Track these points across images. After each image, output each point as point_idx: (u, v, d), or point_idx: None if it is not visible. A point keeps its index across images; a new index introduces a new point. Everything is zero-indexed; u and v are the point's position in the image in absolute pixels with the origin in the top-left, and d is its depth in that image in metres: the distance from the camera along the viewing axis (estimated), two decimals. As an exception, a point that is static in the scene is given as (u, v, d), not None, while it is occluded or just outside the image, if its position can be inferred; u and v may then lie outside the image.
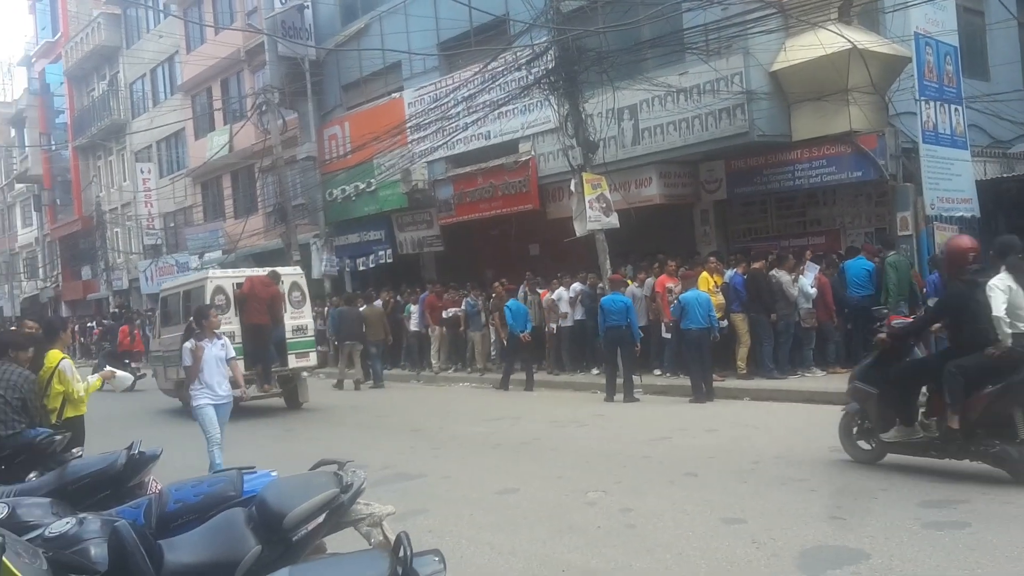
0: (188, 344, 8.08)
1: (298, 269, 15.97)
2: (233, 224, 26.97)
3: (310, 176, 22.82)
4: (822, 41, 12.51)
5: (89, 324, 31.86)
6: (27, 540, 3.27)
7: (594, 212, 13.70)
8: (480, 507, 6.81)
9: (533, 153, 17.10)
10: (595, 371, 14.55)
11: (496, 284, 15.91)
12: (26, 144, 43.21)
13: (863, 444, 7.29)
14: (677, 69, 14.13)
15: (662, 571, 5.05)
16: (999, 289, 6.26)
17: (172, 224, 32.80)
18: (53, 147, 40.02)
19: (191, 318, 9.27)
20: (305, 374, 14.53)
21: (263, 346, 13.44)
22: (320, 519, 3.63)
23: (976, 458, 6.48)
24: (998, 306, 6.19)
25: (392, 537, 3.84)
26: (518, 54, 14.97)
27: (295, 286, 14.54)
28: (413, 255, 20.91)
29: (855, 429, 7.33)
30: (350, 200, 21.80)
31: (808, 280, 12.49)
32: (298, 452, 9.40)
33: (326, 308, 19.70)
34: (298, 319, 14.24)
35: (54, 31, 39.92)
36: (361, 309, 17.37)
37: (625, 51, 13.71)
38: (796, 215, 15.13)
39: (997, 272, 6.42)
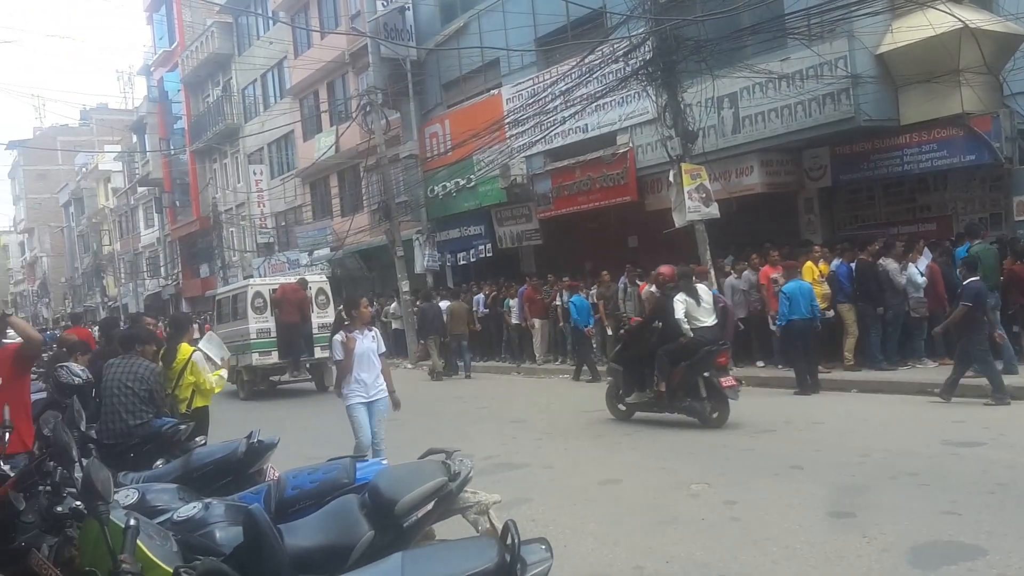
0: (338, 336, 7.31)
1: (323, 277, 19.74)
2: (340, 222, 27.79)
3: (412, 174, 23.32)
4: (931, 21, 12.06)
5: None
6: (157, 523, 3.54)
7: (693, 203, 13.58)
8: (583, 497, 6.92)
9: (631, 145, 17.03)
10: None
11: (603, 273, 15.95)
12: (147, 149, 45.35)
13: (620, 406, 10.41)
14: (779, 55, 13.83)
15: (769, 564, 5.03)
16: (679, 301, 9.61)
17: (283, 223, 33.95)
18: (172, 152, 41.75)
19: (340, 307, 8.64)
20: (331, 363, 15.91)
21: (295, 340, 16.18)
22: (429, 506, 3.76)
23: (677, 411, 9.70)
24: (679, 312, 9.55)
25: (499, 525, 3.96)
26: (615, 46, 14.94)
27: (321, 291, 17.18)
28: (512, 249, 21.14)
29: (614, 395, 10.48)
30: (451, 196, 22.19)
31: (918, 269, 12.07)
32: (405, 442, 9.66)
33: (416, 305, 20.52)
34: (323, 318, 16.50)
35: (171, 41, 41.74)
36: (445, 304, 18.39)
37: (724, 39, 13.52)
38: (905, 201, 14.60)
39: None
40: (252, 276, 33.55)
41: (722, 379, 9.41)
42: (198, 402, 7.41)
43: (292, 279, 17.92)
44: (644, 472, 7.61)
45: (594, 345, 15.96)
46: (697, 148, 14.03)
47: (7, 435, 5.14)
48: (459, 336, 17.94)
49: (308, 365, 16.86)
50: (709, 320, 9.76)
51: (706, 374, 9.48)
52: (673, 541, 5.59)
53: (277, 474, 5.14)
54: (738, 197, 14.65)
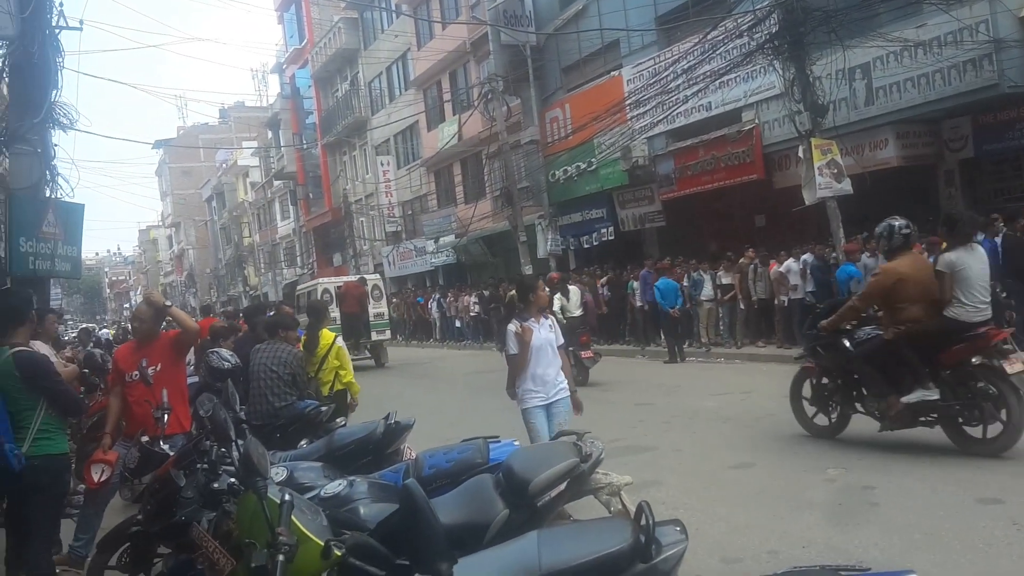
0: (512, 326, 6.10)
1: (377, 276, 26.48)
2: (464, 209, 28.27)
3: (533, 159, 23.47)
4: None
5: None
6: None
7: (824, 179, 13.13)
8: (713, 481, 6.86)
9: (757, 121, 16.57)
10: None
11: (750, 250, 15.73)
12: (281, 144, 47.37)
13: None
14: (914, 22, 13.16)
15: (911, 550, 4.87)
16: (556, 299, 12.99)
17: (410, 212, 34.77)
18: (304, 146, 43.32)
19: (512, 292, 7.50)
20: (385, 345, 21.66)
21: (356, 326, 20.05)
22: (562, 487, 3.80)
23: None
24: (555, 306, 11.61)
25: (631, 507, 4.00)
26: (739, 21, 14.57)
27: (375, 287, 22.43)
28: (634, 231, 20.96)
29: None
30: (572, 180, 22.20)
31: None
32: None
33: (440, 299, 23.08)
34: (377, 309, 21.55)
35: (301, 38, 43.28)
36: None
37: (855, 7, 12.94)
38: (1057, 172, 13.62)
39: None
40: (381, 264, 34.91)
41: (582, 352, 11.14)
42: (338, 385, 7.75)
43: (354, 278, 23.30)
44: (777, 456, 7.46)
45: (721, 327, 15.79)
46: (827, 122, 13.53)
47: (166, 417, 5.56)
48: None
49: (368, 345, 20.92)
50: (577, 312, 15.14)
51: None
52: (808, 526, 5.48)
53: (414, 454, 5.32)
54: (872, 172, 14.04)
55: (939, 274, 6.94)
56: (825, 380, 7.77)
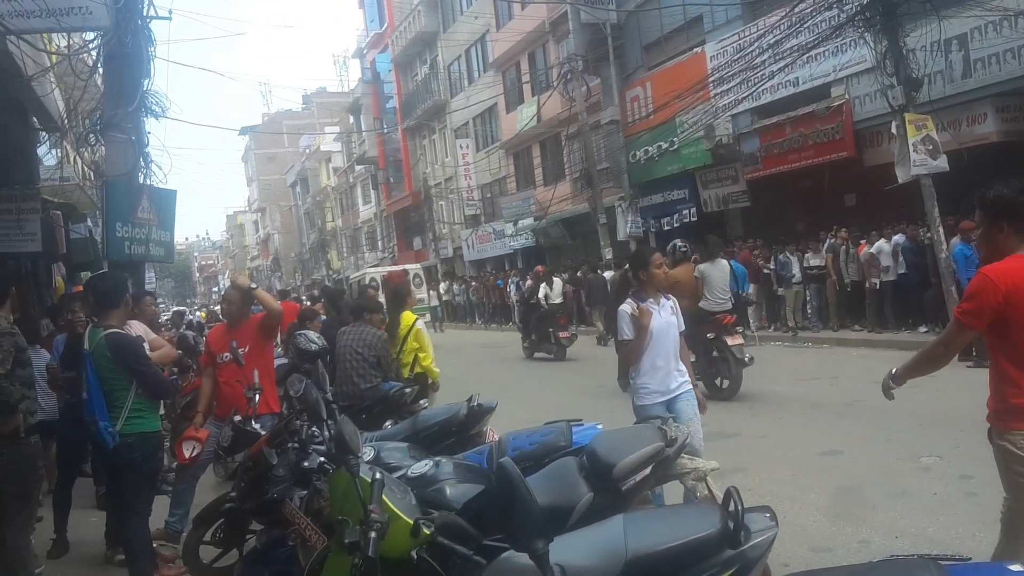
0: (626, 307, 5.18)
1: (418, 265, 30.55)
2: (543, 191, 28.22)
3: (613, 140, 23.24)
4: None
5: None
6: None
7: (919, 155, 12.63)
8: (801, 468, 6.72)
9: (847, 97, 16.04)
10: (923, 329, 13.48)
11: (842, 231, 15.37)
12: (362, 129, 48.09)
13: None
14: (1017, -12, 12.49)
15: (1010, 543, 4.68)
16: (542, 287, 16.17)
17: (488, 195, 34.91)
18: (385, 130, 43.90)
19: (625, 267, 7.17)
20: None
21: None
22: (647, 471, 3.76)
23: None
24: (540, 293, 15.45)
25: (717, 493, 3.93)
26: (829, -8, 14.10)
27: (416, 275, 25.50)
28: (717, 212, 20.58)
29: None
30: (653, 160, 21.90)
31: None
32: (610, 409, 9.77)
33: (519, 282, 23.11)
34: (418, 295, 22.21)
35: (381, 23, 43.75)
36: (609, 275, 19.35)
37: (952, -24, 12.37)
38: None
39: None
40: (460, 247, 35.39)
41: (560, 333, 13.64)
42: (419, 367, 7.83)
43: (398, 268, 26.97)
44: (868, 443, 7.25)
45: (809, 310, 15.44)
46: (922, 96, 13.00)
47: (257, 397, 5.73)
48: None
49: None
50: (558, 300, 17.82)
51: None
52: (901, 515, 5.32)
53: (496, 436, 5.35)
54: (969, 148, 13.40)
55: (696, 279, 10.22)
56: None
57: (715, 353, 10.18)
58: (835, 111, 16.14)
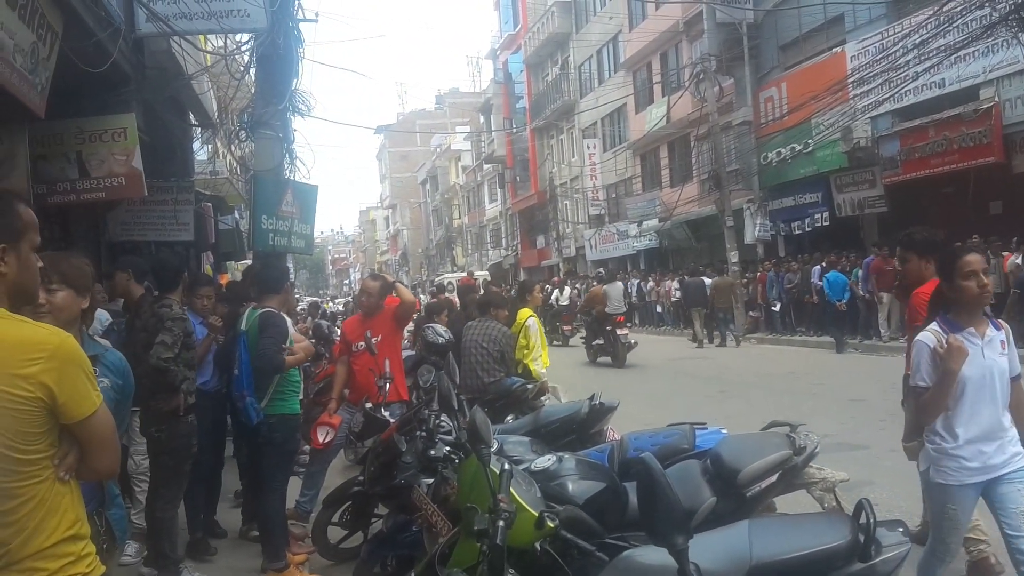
0: (928, 337, 3.54)
1: (487, 273, 34.70)
2: (669, 192, 27.87)
3: (744, 141, 22.74)
4: None
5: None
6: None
7: (1078, 162, 11.81)
8: (934, 486, 6.42)
9: (997, 99, 15.17)
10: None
11: (973, 236, 14.52)
12: (492, 129, 48.72)
13: None
14: None
15: None
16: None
17: (614, 195, 34.71)
18: (514, 130, 44.33)
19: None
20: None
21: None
22: (773, 478, 3.72)
23: None
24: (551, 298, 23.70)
25: (846, 505, 3.84)
26: (981, -10, 13.37)
27: (484, 280, 25.44)
28: (852, 217, 19.81)
29: None
30: (785, 163, 21.30)
31: None
32: (739, 412, 9.62)
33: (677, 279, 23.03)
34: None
35: (515, 24, 44.20)
36: (710, 280, 20.55)
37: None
38: None
39: None
40: (583, 247, 35.48)
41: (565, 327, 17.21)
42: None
43: (464, 274, 31.28)
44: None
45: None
46: (1084, 99, 12.15)
47: (388, 385, 5.95)
48: (724, 308, 19.95)
49: None
50: (565, 303, 22.63)
51: None
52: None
53: (617, 435, 5.35)
54: None
55: (604, 292, 17.46)
56: None
57: (612, 337, 16.79)
58: (983, 114, 15.29)
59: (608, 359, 17.08)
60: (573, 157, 38.26)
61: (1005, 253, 14.04)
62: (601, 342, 17.58)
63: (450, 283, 26.56)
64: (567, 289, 25.25)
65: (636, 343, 17.33)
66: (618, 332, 16.63)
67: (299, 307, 23.55)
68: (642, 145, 30.93)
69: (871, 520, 2.67)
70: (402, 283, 7.07)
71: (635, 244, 31.51)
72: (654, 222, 29.13)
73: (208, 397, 5.90)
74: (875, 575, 2.69)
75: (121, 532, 3.53)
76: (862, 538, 2.67)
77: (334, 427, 6.15)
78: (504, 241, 50.37)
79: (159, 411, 5.08)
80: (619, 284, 18.39)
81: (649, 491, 2.44)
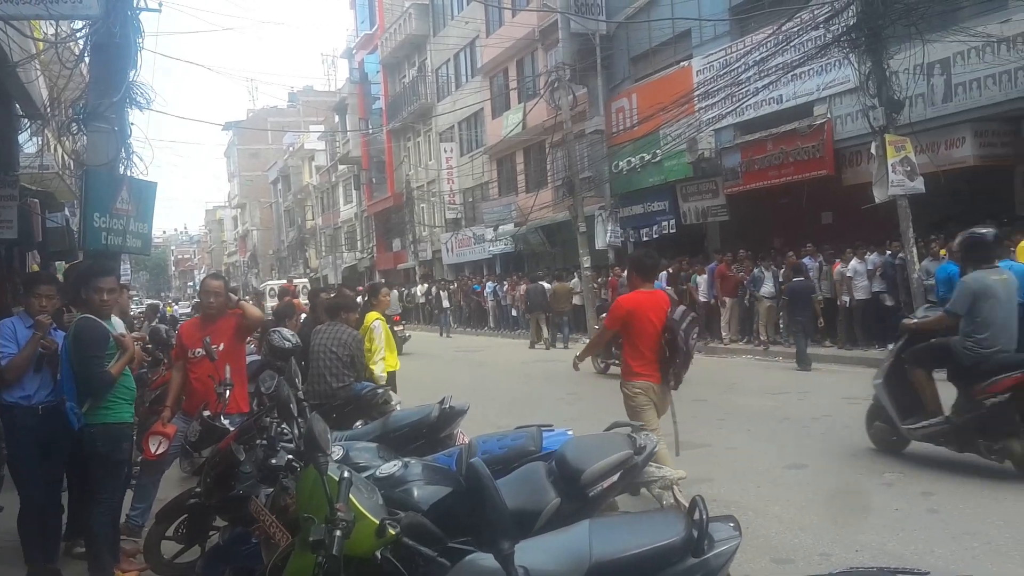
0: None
1: (305, 280, 35.16)
2: (525, 198, 28.26)
3: (597, 149, 23.32)
4: None
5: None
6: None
7: (897, 176, 12.81)
8: (767, 480, 6.78)
9: (829, 116, 16.23)
10: (891, 346, 13.64)
11: (790, 255, 15.52)
12: (347, 129, 47.95)
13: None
14: (998, 17, 12.77)
15: (968, 559, 4.76)
16: None
17: (470, 199, 34.90)
18: (370, 131, 43.85)
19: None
20: None
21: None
22: (615, 478, 3.79)
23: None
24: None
25: (683, 501, 3.97)
26: (816, 12, 14.26)
27: (304, 286, 24.97)
28: (696, 225, 20.72)
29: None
30: (635, 171, 22.02)
31: None
32: (582, 414, 9.81)
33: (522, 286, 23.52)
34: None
35: (372, 24, 43.69)
36: (549, 285, 21.37)
37: (937, 1, 12.54)
38: None
39: None
40: (440, 251, 35.33)
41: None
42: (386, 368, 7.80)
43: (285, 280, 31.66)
44: (833, 459, 7.33)
45: (781, 326, 15.59)
46: (903, 118, 13.17)
47: (228, 392, 5.69)
48: (562, 312, 21.05)
49: None
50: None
51: None
52: (863, 530, 5.38)
53: (467, 439, 5.35)
54: (947, 171, 13.61)
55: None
56: None
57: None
58: (817, 129, 16.32)
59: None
60: (430, 160, 38.20)
61: (836, 261, 15.00)
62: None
63: (271, 289, 27.15)
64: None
65: (410, 336, 20.60)
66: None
67: (138, 310, 22.28)
68: (499, 150, 31.23)
69: (704, 516, 2.76)
70: (249, 286, 6.79)
71: (491, 248, 31.77)
72: (510, 227, 29.47)
73: (32, 413, 5.22)
74: (708, 569, 2.78)
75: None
76: (696, 534, 2.74)
77: (168, 437, 5.84)
78: (359, 243, 49.69)
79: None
80: (395, 291, 20.63)
81: (477, 496, 2.42)
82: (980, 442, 6.38)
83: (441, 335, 26.85)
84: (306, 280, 38.24)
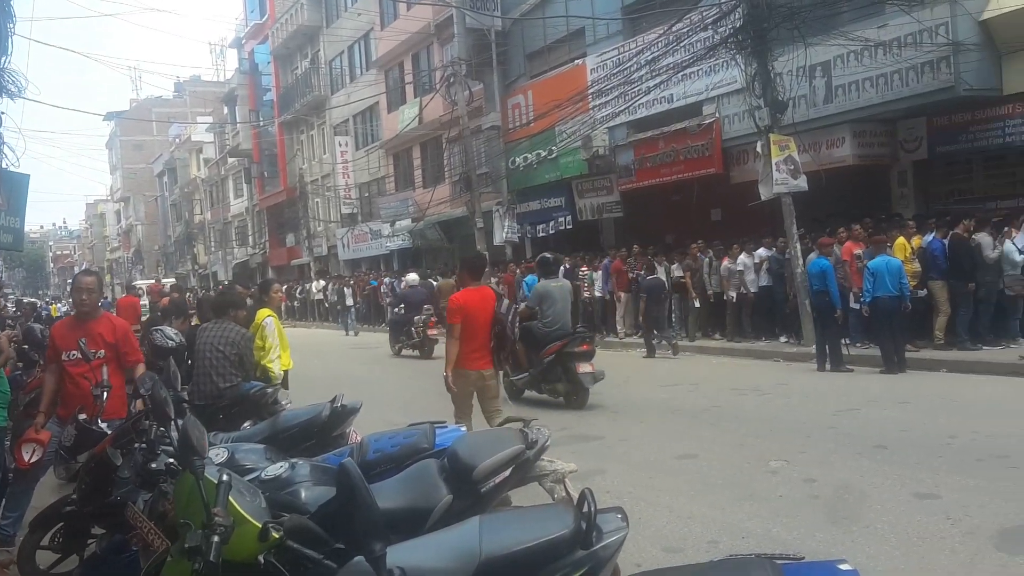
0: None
1: (172, 279, 34.94)
2: (422, 193, 28.10)
3: (494, 145, 23.37)
4: (1041, -16, 11.48)
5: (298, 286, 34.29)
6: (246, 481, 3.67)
7: (781, 175, 13.29)
8: (658, 471, 6.91)
9: (717, 115, 16.70)
10: (783, 339, 14.22)
11: (693, 246, 16.06)
12: (237, 121, 46.56)
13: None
14: (875, 22, 13.38)
15: (848, 543, 4.95)
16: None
17: (367, 194, 34.45)
18: (261, 123, 42.74)
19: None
20: None
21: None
22: (507, 473, 3.78)
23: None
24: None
25: (575, 494, 3.99)
26: (704, 14, 14.65)
27: (174, 287, 22.54)
28: (592, 221, 21.02)
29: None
30: (532, 168, 22.18)
31: (1016, 245, 11.57)
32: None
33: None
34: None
35: (262, 14, 42.56)
36: (436, 282, 20.77)
37: (819, 5, 13.08)
38: (1007, 175, 13.94)
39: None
40: (335, 246, 34.78)
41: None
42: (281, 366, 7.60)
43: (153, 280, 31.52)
44: (721, 448, 7.54)
45: (673, 319, 15.97)
46: (786, 119, 13.69)
47: (105, 395, 5.42)
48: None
49: None
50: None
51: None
52: (749, 517, 5.54)
53: (359, 437, 5.25)
54: (828, 169, 14.23)
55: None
56: None
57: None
58: (706, 129, 16.78)
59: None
60: (324, 154, 37.53)
61: (724, 256, 15.45)
62: None
63: (140, 289, 26.41)
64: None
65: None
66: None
67: (10, 308, 21.06)
68: (395, 145, 30.93)
69: (592, 508, 2.77)
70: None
71: (388, 244, 31.43)
72: (407, 222, 29.23)
73: None
74: (596, 560, 2.80)
75: None
76: (584, 526, 2.76)
77: (42, 444, 5.52)
78: (251, 239, 48.40)
79: None
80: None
81: (348, 498, 2.37)
82: (543, 385, 10.20)
83: (347, 334, 26.10)
84: (172, 279, 37.93)
